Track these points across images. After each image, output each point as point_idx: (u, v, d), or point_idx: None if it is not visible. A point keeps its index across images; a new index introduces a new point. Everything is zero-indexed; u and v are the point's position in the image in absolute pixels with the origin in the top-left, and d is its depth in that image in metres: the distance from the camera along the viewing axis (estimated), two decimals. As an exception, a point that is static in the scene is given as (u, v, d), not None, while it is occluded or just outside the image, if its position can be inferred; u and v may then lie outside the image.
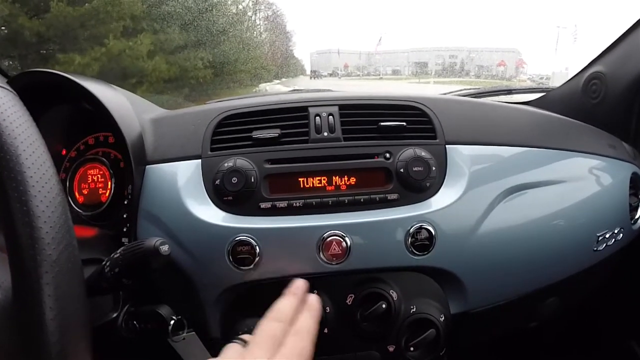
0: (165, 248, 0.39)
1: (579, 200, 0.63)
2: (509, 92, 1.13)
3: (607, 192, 0.67)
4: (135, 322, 0.52)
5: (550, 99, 0.93)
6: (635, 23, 0.75)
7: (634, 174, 0.70)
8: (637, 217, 0.71)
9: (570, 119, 0.76)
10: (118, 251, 0.42)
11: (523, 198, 0.59)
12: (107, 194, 0.63)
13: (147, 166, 0.57)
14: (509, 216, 0.58)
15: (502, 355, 1.03)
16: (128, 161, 0.55)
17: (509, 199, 0.58)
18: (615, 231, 0.66)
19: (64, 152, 0.65)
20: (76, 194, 0.64)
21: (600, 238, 0.64)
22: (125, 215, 0.55)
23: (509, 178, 0.59)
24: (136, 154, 0.56)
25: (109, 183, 0.63)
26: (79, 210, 0.62)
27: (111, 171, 0.63)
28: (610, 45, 0.80)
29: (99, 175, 0.64)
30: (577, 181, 0.64)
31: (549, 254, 0.61)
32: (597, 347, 0.91)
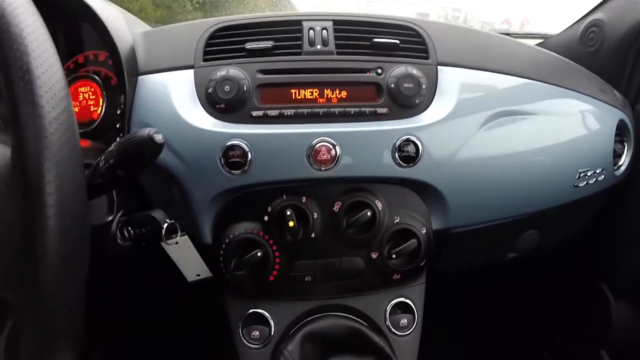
0: (159, 137, 0.40)
1: (564, 134, 0.64)
2: (507, 36, 1.11)
3: (593, 133, 0.68)
4: (129, 228, 0.54)
5: (548, 46, 0.92)
6: None
7: (621, 121, 0.71)
8: (620, 163, 0.72)
9: (565, 59, 0.76)
10: (113, 144, 0.43)
11: (509, 125, 0.60)
12: (98, 111, 0.63)
13: (139, 77, 0.57)
14: (494, 139, 0.59)
15: (478, 287, 1.09)
16: (120, 72, 0.55)
17: (495, 124, 0.59)
18: (597, 171, 0.67)
19: None
20: None
21: (582, 175, 0.66)
22: (118, 126, 0.56)
23: (498, 104, 0.60)
24: (129, 64, 0.55)
25: (101, 100, 0.63)
26: None
27: (102, 89, 0.63)
28: None
29: (90, 93, 0.64)
30: (565, 117, 0.65)
31: (530, 181, 0.63)
32: (570, 286, 0.97)
